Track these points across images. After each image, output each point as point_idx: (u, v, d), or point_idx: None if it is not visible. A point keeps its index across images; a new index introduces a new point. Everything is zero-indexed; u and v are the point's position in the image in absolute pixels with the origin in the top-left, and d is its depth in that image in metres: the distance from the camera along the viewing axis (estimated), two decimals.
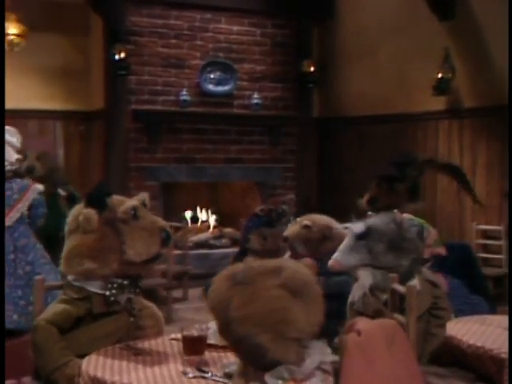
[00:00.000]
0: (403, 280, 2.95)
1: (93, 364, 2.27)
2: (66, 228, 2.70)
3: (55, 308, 2.57)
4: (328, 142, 7.85)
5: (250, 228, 4.50)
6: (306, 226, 3.66)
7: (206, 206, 7.63)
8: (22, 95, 6.85)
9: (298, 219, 3.83)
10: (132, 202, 2.67)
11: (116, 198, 2.68)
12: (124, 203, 2.65)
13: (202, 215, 7.62)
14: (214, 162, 7.29)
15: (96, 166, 7.15)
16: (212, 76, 7.21)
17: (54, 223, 4.48)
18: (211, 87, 7.22)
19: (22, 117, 6.87)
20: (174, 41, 7.08)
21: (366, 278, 3.08)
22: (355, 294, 3.13)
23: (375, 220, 3.10)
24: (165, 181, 7.13)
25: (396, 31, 7.01)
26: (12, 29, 5.35)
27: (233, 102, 7.38)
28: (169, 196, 7.31)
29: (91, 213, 2.60)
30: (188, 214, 7.54)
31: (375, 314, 2.95)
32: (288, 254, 3.72)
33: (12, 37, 5.37)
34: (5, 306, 3.65)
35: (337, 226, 3.63)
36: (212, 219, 7.62)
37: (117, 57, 6.61)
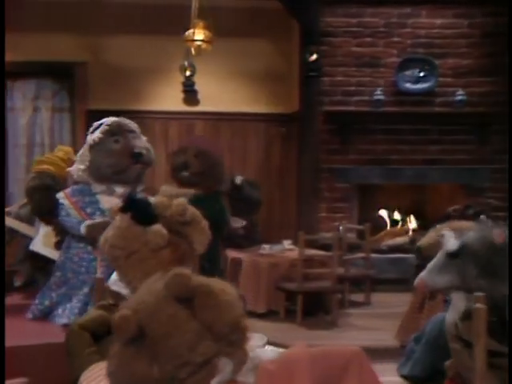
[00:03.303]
0: (498, 308, 2.56)
1: None
2: (119, 253, 2.57)
3: (91, 313, 2.68)
4: None
5: None
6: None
7: (403, 208, 7.32)
8: (228, 99, 7.32)
9: (438, 226, 3.53)
10: (176, 201, 2.66)
11: (159, 203, 2.68)
12: (166, 205, 2.64)
13: (400, 218, 7.33)
14: (411, 164, 6.95)
15: (293, 167, 7.31)
16: (410, 73, 6.89)
17: (214, 218, 4.71)
18: (409, 85, 6.90)
19: (228, 119, 7.36)
20: (368, 39, 6.91)
21: (459, 302, 2.74)
22: (450, 318, 2.81)
23: (471, 236, 2.72)
24: (357, 182, 7.02)
25: None
26: (199, 35, 5.72)
27: (433, 100, 6.95)
28: (363, 198, 7.17)
29: (160, 228, 2.59)
30: (386, 217, 7.33)
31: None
32: None
33: (199, 43, 5.75)
34: None
35: None
36: (411, 222, 7.29)
37: (310, 59, 6.68)
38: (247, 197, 6.43)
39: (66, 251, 3.77)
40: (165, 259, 2.56)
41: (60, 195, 3.83)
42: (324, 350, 1.84)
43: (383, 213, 7.32)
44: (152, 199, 2.69)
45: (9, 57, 6.93)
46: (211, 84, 7.24)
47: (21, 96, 7.23)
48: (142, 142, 3.89)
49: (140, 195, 3.54)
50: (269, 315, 5.46)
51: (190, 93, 7.23)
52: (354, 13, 6.90)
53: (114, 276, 2.73)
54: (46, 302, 3.71)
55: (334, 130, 6.88)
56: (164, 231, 2.55)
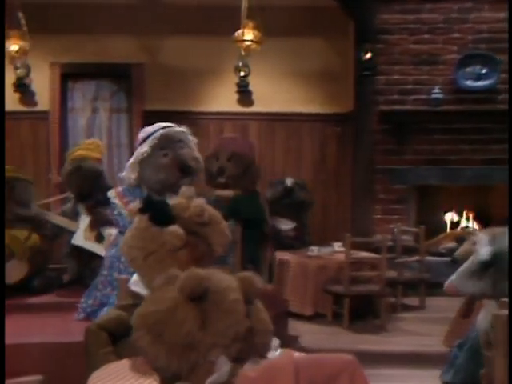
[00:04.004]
0: None
1: None
2: (137, 253, 2.61)
3: (110, 313, 2.68)
4: None
5: None
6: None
7: (464, 210, 7.05)
8: (282, 99, 7.26)
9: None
10: (194, 203, 2.64)
11: (177, 205, 2.66)
12: (184, 206, 2.62)
13: (460, 220, 7.07)
14: (471, 164, 6.70)
15: (348, 167, 7.18)
16: (470, 70, 6.63)
17: (253, 218, 4.69)
18: (469, 83, 6.64)
19: (283, 120, 7.30)
20: (426, 36, 6.70)
21: (491, 309, 2.59)
22: (482, 325, 2.67)
23: (504, 244, 2.57)
24: (414, 184, 6.81)
25: None
26: (248, 35, 5.70)
27: (495, 98, 6.67)
28: (422, 200, 6.96)
29: (177, 229, 2.59)
30: (448, 219, 7.09)
31: None
32: None
33: (248, 43, 5.73)
34: None
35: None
36: (472, 225, 7.02)
37: (364, 57, 6.54)
38: (298, 199, 6.39)
39: (115, 250, 3.81)
40: (182, 260, 2.55)
41: (111, 194, 3.87)
42: (313, 357, 1.76)
43: (448, 215, 7.09)
44: (170, 200, 2.68)
45: (69, 58, 7.18)
46: (265, 84, 7.20)
47: (80, 97, 7.41)
48: (190, 152, 3.85)
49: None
50: (316, 318, 5.38)
51: (244, 93, 7.21)
52: (411, 9, 6.71)
53: (135, 277, 2.74)
54: (90, 301, 3.75)
55: (389, 129, 6.71)
56: (181, 232, 2.53)
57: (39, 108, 7.25)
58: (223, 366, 1.74)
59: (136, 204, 2.80)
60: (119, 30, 7.14)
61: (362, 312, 5.44)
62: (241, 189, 4.60)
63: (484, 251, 2.58)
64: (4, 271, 3.79)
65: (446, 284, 2.69)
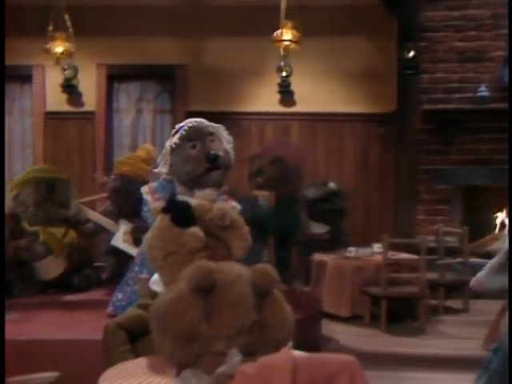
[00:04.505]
0: None
1: None
2: (158, 253, 2.61)
3: (129, 312, 2.69)
4: None
5: None
6: None
7: None
8: (325, 99, 7.22)
9: None
10: (217, 206, 2.64)
11: (200, 207, 2.67)
12: (207, 208, 2.63)
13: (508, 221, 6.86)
14: None
15: (391, 168, 7.07)
16: None
17: (286, 224, 4.67)
18: None
19: (324, 120, 7.26)
20: (473, 32, 6.54)
21: None
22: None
23: None
24: (459, 184, 6.65)
25: None
26: (287, 35, 5.68)
27: None
28: (467, 200, 6.79)
29: (197, 231, 2.60)
30: (498, 220, 6.90)
31: None
32: None
33: (287, 43, 5.71)
34: None
35: None
36: None
37: (407, 56, 6.44)
38: (337, 206, 6.35)
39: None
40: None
41: (144, 190, 3.91)
42: (313, 356, 1.73)
43: (498, 216, 6.90)
44: (193, 202, 2.69)
45: (115, 60, 7.32)
46: (307, 84, 7.17)
47: (125, 98, 7.54)
48: (220, 145, 3.86)
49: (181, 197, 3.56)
50: (353, 320, 5.30)
51: (286, 93, 7.20)
52: (456, 5, 6.56)
53: (156, 276, 2.75)
54: (120, 296, 3.80)
55: (433, 129, 6.57)
56: (201, 234, 2.53)
57: (86, 109, 7.41)
58: (234, 357, 1.75)
59: (160, 203, 2.81)
60: (164, 31, 7.23)
61: (401, 314, 5.34)
62: (278, 193, 4.58)
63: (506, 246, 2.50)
64: (4, 267, 3.86)
65: (473, 280, 2.63)
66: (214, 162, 3.75)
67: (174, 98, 7.44)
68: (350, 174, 7.22)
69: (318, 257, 5.65)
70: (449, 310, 5.73)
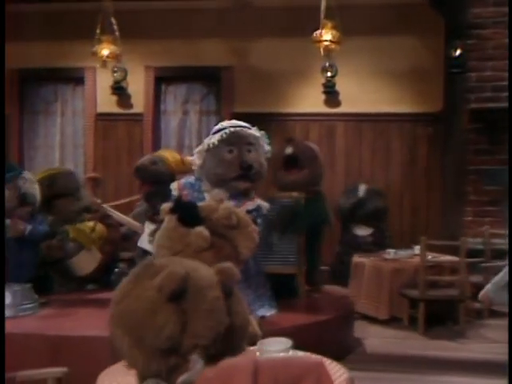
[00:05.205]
0: None
1: None
2: (165, 252, 2.66)
3: None
4: None
5: None
6: None
7: None
8: (370, 99, 7.12)
9: None
10: (223, 206, 2.66)
11: (206, 207, 2.69)
12: (213, 208, 2.65)
13: None
14: None
15: (439, 168, 6.92)
16: None
17: (314, 221, 4.65)
18: None
19: (370, 120, 7.17)
20: None
21: None
22: None
23: None
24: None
25: None
26: (326, 35, 5.64)
27: None
28: None
29: (202, 230, 2.62)
30: None
31: None
32: None
33: (327, 43, 5.66)
34: None
35: None
36: None
37: (453, 54, 6.29)
38: (370, 209, 6.27)
39: None
40: (207, 261, 2.57)
41: (173, 186, 3.98)
42: (279, 358, 1.71)
43: None
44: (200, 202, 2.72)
45: (162, 62, 7.44)
46: (353, 84, 7.10)
47: (172, 99, 7.65)
48: (257, 157, 3.85)
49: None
50: (391, 322, 5.21)
51: (330, 94, 7.15)
52: (506, 1, 6.33)
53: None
54: None
55: (481, 128, 6.38)
56: (206, 234, 2.57)
57: (134, 110, 7.56)
58: (196, 364, 1.72)
59: (168, 204, 2.86)
60: (209, 33, 7.30)
61: (442, 317, 5.22)
62: (304, 191, 4.56)
63: None
64: (4, 267, 3.95)
65: (481, 293, 2.54)
66: (246, 171, 3.77)
67: (219, 99, 7.51)
68: (397, 175, 7.11)
69: (356, 258, 5.59)
70: (494, 314, 5.56)
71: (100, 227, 4.77)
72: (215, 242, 2.64)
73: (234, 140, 3.77)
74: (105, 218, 4.82)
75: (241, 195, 3.84)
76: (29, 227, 4.36)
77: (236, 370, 1.54)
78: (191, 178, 3.96)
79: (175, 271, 1.81)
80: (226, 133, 3.80)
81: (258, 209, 3.86)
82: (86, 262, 4.65)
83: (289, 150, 4.72)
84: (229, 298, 1.90)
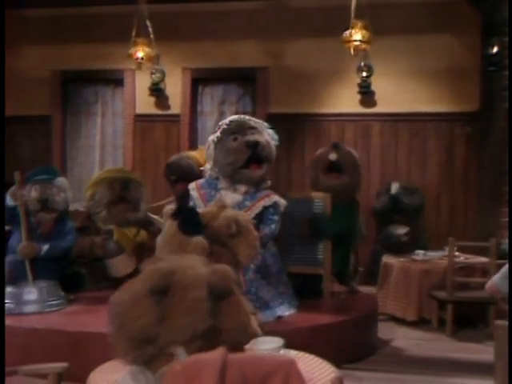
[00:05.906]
0: None
1: None
2: (165, 255, 2.68)
3: None
4: None
5: None
6: None
7: None
8: (406, 99, 7.05)
9: None
10: (223, 214, 2.69)
11: (207, 214, 2.72)
12: (214, 215, 2.68)
13: None
14: None
15: (476, 168, 6.80)
16: None
17: (344, 229, 4.63)
18: None
19: (406, 120, 7.09)
20: None
21: None
22: None
23: None
24: None
25: None
26: (356, 35, 5.61)
27: None
28: None
29: (201, 240, 2.65)
30: None
31: None
32: None
33: (357, 43, 5.63)
34: None
35: None
36: None
37: (490, 52, 6.18)
38: (404, 207, 6.20)
39: None
40: None
41: (192, 186, 4.08)
42: (248, 355, 1.73)
43: None
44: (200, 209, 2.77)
45: (199, 64, 7.53)
46: (388, 84, 7.04)
47: (209, 100, 7.73)
48: (262, 137, 3.98)
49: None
50: (420, 324, 5.16)
51: (366, 94, 7.10)
52: None
53: None
54: None
55: None
56: (205, 244, 2.61)
57: (172, 111, 7.67)
58: (180, 357, 1.76)
59: (170, 208, 2.92)
60: (245, 35, 7.37)
61: (473, 319, 5.14)
62: (340, 197, 4.55)
63: None
64: (4, 271, 4.03)
65: (488, 283, 2.51)
66: (254, 149, 3.86)
67: (255, 100, 7.55)
68: (433, 176, 7.02)
69: (385, 259, 5.55)
70: None
71: (143, 233, 4.85)
72: (214, 250, 2.68)
73: (235, 128, 3.93)
74: (148, 225, 4.90)
75: (255, 191, 3.91)
76: (45, 247, 4.36)
77: (204, 364, 1.58)
78: (208, 178, 4.05)
79: (160, 267, 1.87)
80: (226, 123, 3.97)
81: (274, 205, 3.91)
82: (123, 265, 4.70)
83: (333, 157, 4.72)
84: (219, 299, 1.91)
